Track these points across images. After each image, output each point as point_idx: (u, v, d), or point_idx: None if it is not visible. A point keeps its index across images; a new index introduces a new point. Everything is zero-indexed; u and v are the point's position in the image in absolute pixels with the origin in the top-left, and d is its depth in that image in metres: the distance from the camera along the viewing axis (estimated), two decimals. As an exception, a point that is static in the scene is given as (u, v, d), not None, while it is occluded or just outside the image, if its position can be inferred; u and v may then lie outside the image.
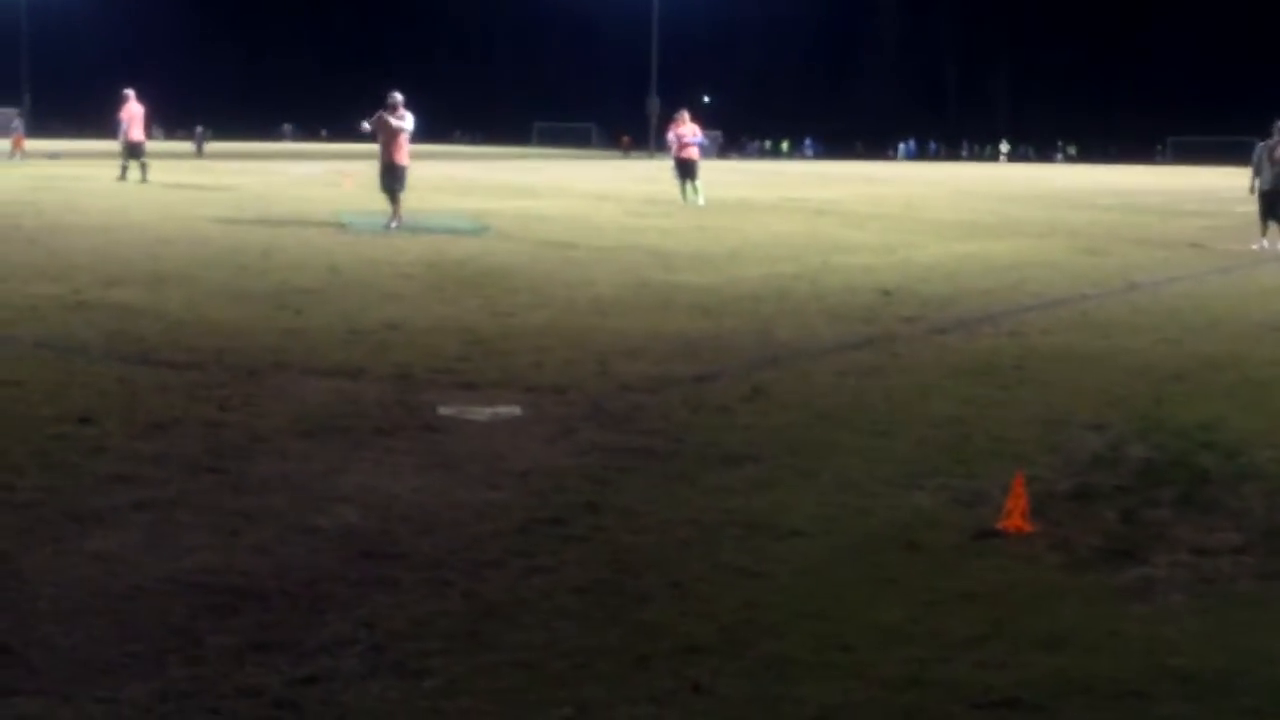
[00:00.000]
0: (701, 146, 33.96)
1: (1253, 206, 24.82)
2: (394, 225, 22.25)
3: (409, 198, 23.65)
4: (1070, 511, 6.82)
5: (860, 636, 5.03)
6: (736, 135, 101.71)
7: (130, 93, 35.44)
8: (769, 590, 5.52)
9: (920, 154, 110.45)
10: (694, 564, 5.82)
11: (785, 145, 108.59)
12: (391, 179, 22.98)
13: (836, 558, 5.97)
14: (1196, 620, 5.36)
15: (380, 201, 23.52)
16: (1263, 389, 10.42)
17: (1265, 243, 23.88)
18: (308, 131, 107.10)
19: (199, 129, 65.63)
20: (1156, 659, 4.91)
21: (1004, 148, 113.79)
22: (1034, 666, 4.80)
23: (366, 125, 23.63)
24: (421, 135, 25.63)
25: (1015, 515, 6.49)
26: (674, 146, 32.38)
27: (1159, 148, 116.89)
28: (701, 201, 30.76)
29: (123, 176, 34.63)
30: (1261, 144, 24.41)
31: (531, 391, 9.29)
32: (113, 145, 38.85)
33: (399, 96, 23.02)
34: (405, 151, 23.08)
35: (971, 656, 4.87)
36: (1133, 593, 5.67)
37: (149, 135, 38.84)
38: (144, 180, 34.05)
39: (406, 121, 22.90)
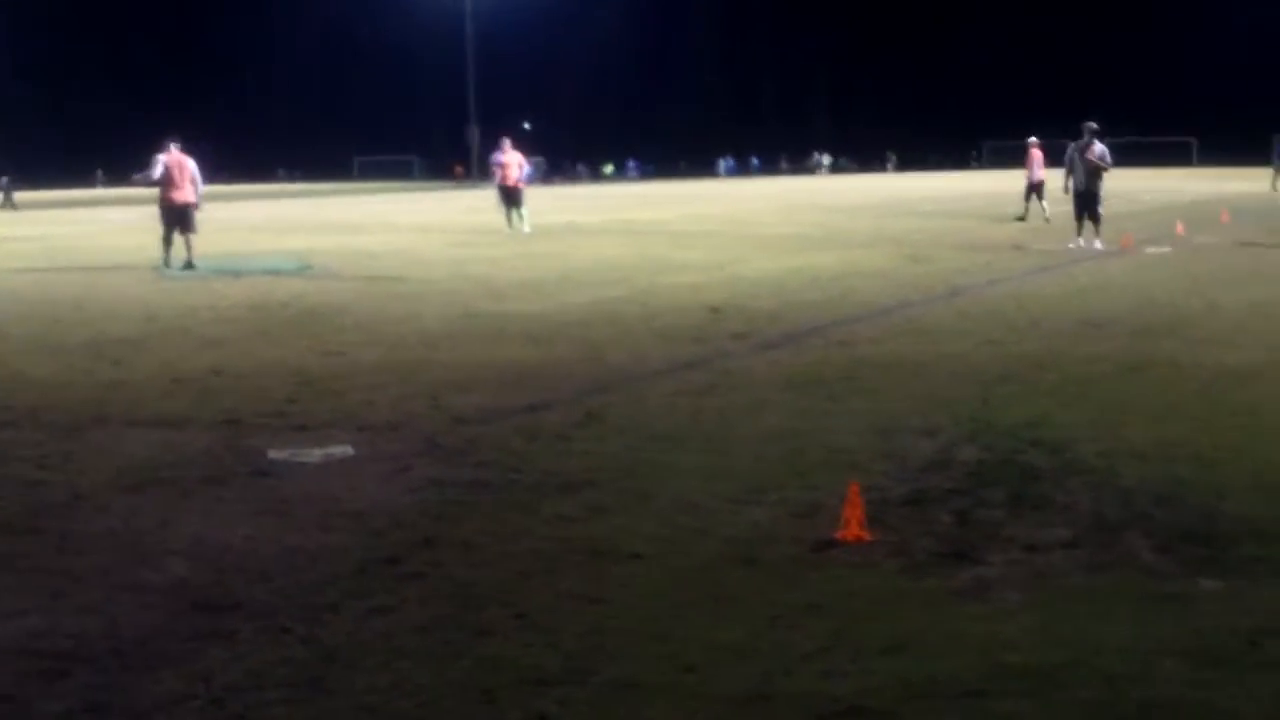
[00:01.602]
0: (527, 174, 33.94)
1: (1068, 206, 25.64)
2: (184, 267, 21.91)
3: (226, 239, 23.24)
4: (906, 517, 6.91)
5: (703, 656, 5.04)
6: (561, 160, 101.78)
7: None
8: (611, 615, 5.50)
9: (741, 170, 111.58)
10: (535, 594, 5.78)
11: (610, 168, 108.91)
12: (185, 221, 22.61)
13: (677, 579, 5.97)
14: (1031, 616, 5.46)
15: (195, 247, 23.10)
16: (1084, 385, 10.70)
17: (1081, 241, 24.64)
18: (119, 177, 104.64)
19: (3, 179, 63.69)
20: (994, 657, 4.99)
21: (825, 160, 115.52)
22: (876, 673, 4.85)
23: (148, 174, 23.03)
24: (242, 175, 25.32)
25: (852, 524, 6.56)
26: (497, 174, 32.32)
27: (974, 153, 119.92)
28: (528, 229, 30.72)
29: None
30: (1073, 145, 25.17)
31: (364, 430, 9.16)
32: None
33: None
34: (193, 192, 22.74)
35: (814, 668, 4.91)
36: (970, 593, 5.77)
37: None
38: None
39: (191, 163, 22.72)
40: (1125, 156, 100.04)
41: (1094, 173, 24.66)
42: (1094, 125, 24.79)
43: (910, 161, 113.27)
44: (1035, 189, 34.03)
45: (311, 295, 18.00)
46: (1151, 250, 24.51)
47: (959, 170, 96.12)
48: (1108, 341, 13.03)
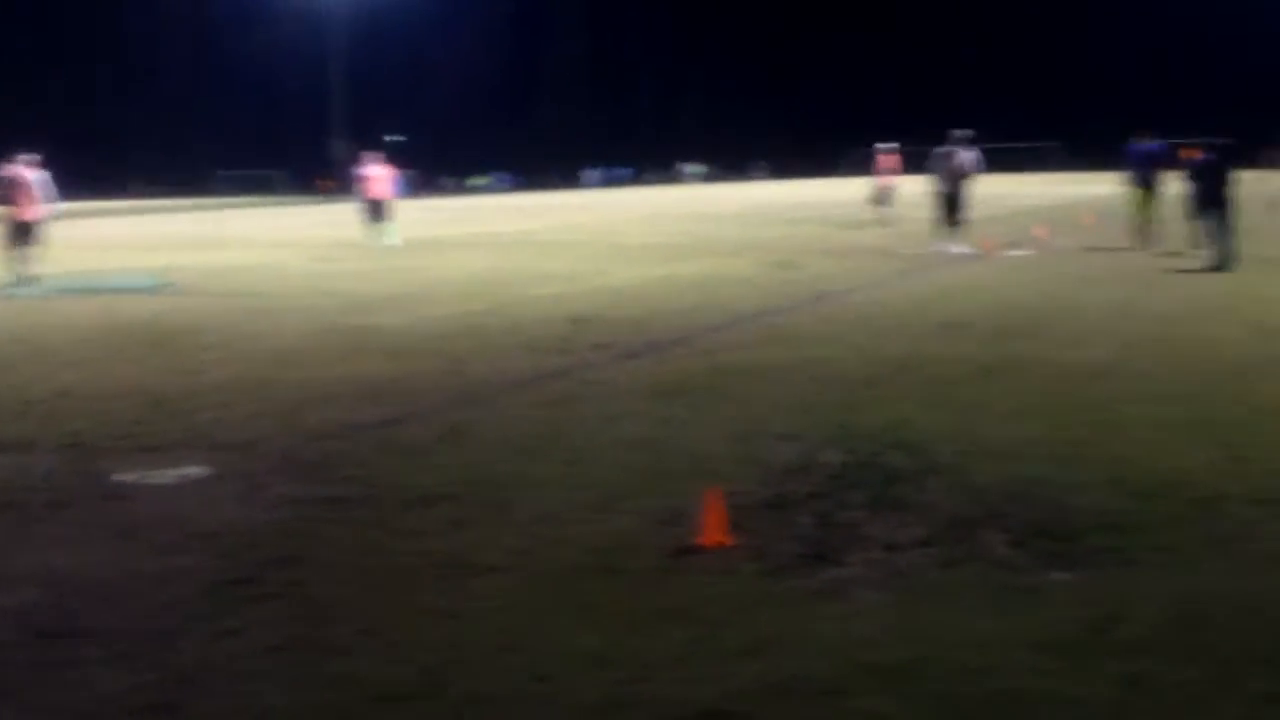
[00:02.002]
0: (393, 187, 33.61)
1: (930, 211, 26.10)
2: (19, 284, 21.46)
3: (80, 257, 22.76)
4: (767, 521, 6.93)
5: (560, 665, 5.00)
6: (428, 173, 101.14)
7: None
8: (468, 629, 5.44)
9: (611, 180, 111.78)
10: (391, 610, 5.70)
11: (477, 180, 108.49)
12: (25, 236, 22.15)
13: (535, 589, 5.92)
14: (889, 614, 5.51)
15: (43, 264, 22.61)
16: (944, 386, 10.84)
17: (950, 246, 25.02)
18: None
19: None
20: (851, 655, 5.02)
21: (694, 169, 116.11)
22: (735, 676, 4.85)
23: None
24: (101, 191, 24.91)
25: (713, 530, 6.56)
26: (362, 188, 32.00)
27: (843, 161, 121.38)
28: (393, 242, 30.47)
29: None
30: (938, 150, 25.61)
31: (218, 449, 8.98)
32: None
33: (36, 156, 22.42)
34: (38, 208, 22.30)
35: (673, 673, 4.89)
36: (829, 594, 5.80)
37: None
38: None
39: (37, 176, 22.27)
40: (990, 161, 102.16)
41: (961, 178, 25.11)
42: (965, 132, 25.35)
43: (780, 170, 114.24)
44: (884, 194, 34.65)
45: (168, 314, 17.64)
46: (1013, 253, 24.95)
47: (828, 178, 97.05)
48: (968, 344, 13.21)
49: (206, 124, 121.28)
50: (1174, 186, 24.26)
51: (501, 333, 14.87)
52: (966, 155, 25.28)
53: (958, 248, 24.86)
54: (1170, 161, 25.02)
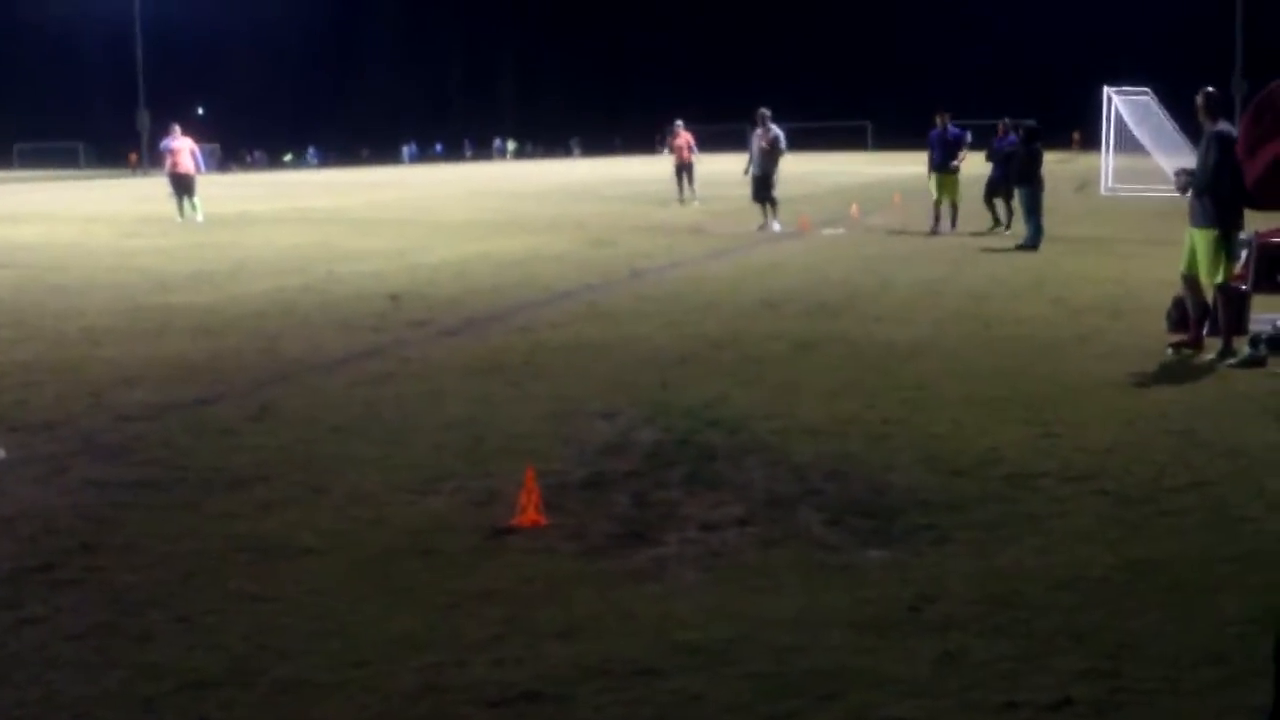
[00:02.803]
0: (200, 161, 32.85)
1: (748, 189, 26.37)
2: None
3: None
4: (584, 501, 6.91)
5: (375, 650, 4.91)
6: (236, 147, 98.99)
7: None
8: (280, 614, 5.31)
9: (425, 157, 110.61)
10: (200, 595, 5.54)
11: (289, 155, 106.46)
12: None
13: (350, 573, 5.81)
14: (705, 594, 5.52)
15: None
16: (760, 364, 10.93)
17: (771, 224, 25.30)
18: None
19: None
20: (667, 635, 5.01)
21: (509, 146, 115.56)
22: (550, 657, 4.81)
23: None
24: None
25: (529, 510, 6.51)
26: (168, 162, 31.16)
27: (659, 138, 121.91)
28: (200, 218, 29.75)
29: None
30: (755, 131, 25.86)
31: (17, 431, 8.64)
32: None
33: None
34: None
35: (488, 656, 4.84)
36: (645, 574, 5.79)
37: None
38: None
39: None
40: (803, 140, 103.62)
41: (768, 156, 25.38)
42: (766, 110, 25.53)
43: (596, 147, 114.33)
44: (684, 170, 34.90)
45: (-36, 291, 16.98)
46: (827, 232, 25.34)
47: (644, 155, 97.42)
48: (784, 321, 13.36)
49: (5, 96, 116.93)
50: (974, 168, 24.80)
51: (316, 310, 14.61)
52: (773, 132, 25.58)
53: (774, 225, 25.16)
54: (968, 144, 25.42)
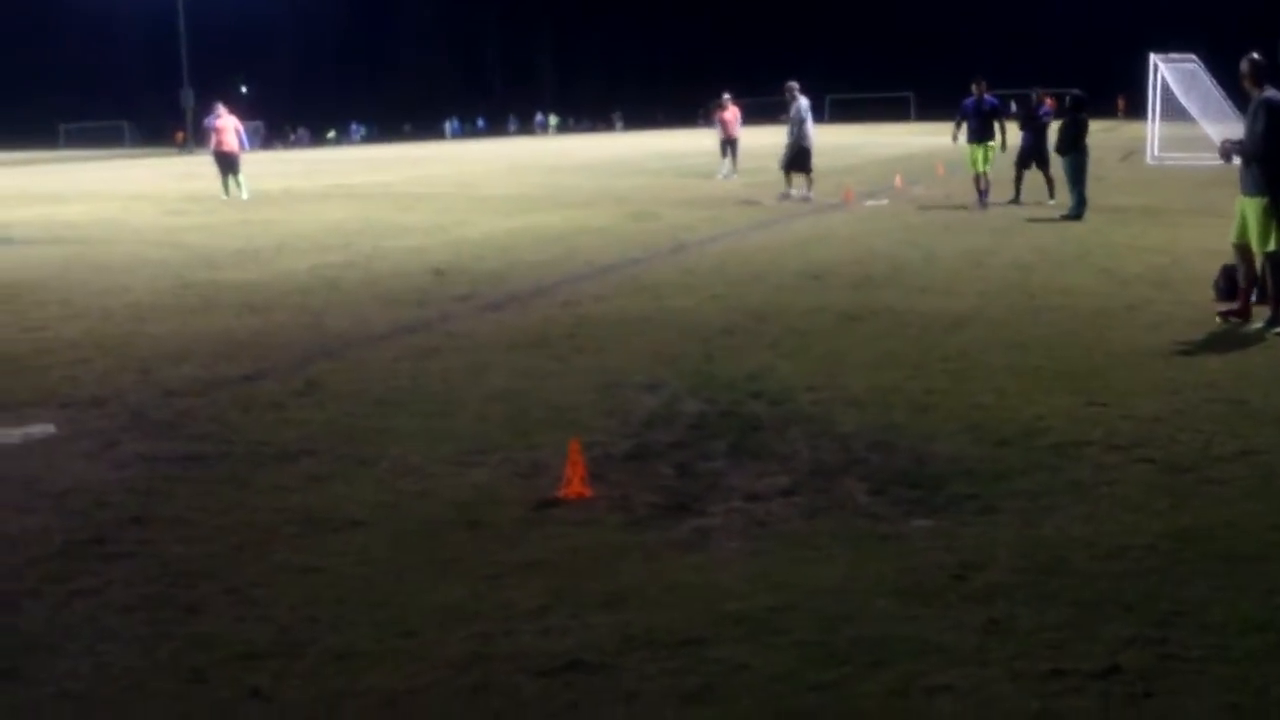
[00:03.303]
0: (244, 139, 32.95)
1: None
2: None
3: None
4: (628, 472, 6.93)
5: (423, 620, 4.94)
6: (280, 125, 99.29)
7: None
8: (328, 585, 5.36)
9: (467, 132, 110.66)
10: (249, 567, 5.60)
11: (332, 132, 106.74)
12: None
13: (397, 544, 5.85)
14: (749, 564, 5.52)
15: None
16: (803, 336, 10.91)
17: (792, 192, 25.25)
18: None
19: None
20: (713, 605, 5.02)
21: (551, 120, 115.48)
22: (596, 628, 4.83)
23: None
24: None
25: (574, 482, 6.54)
26: (212, 140, 31.30)
27: (701, 111, 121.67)
28: (245, 195, 29.90)
29: None
30: (805, 104, 25.84)
31: (68, 407, 8.74)
32: None
33: None
34: None
35: (535, 626, 4.86)
36: (690, 544, 5.80)
37: None
38: None
39: None
40: (846, 112, 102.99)
41: (800, 126, 25.38)
42: (793, 83, 25.59)
43: (637, 120, 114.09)
44: (730, 145, 34.75)
45: (11, 269, 17.11)
46: (870, 203, 25.23)
47: (686, 128, 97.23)
48: (827, 293, 13.32)
49: (51, 76, 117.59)
50: (1011, 138, 24.46)
51: (360, 286, 14.66)
52: (801, 103, 25.55)
53: (807, 194, 25.17)
54: (1006, 113, 24.86)
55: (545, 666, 4.51)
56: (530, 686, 4.37)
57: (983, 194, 23.83)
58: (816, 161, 26.11)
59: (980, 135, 23.85)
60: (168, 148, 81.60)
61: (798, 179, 25.79)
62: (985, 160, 23.83)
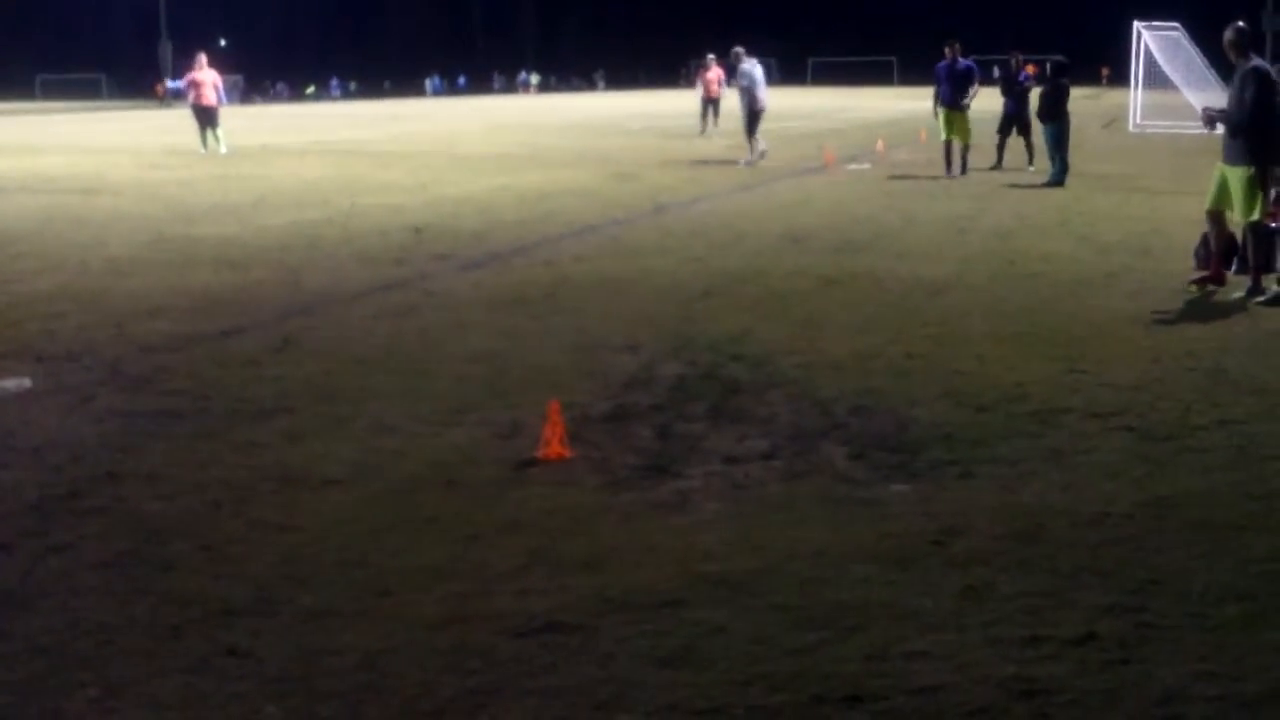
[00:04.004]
0: (221, 93, 32.68)
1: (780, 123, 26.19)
2: None
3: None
4: (607, 433, 6.91)
5: (400, 580, 4.92)
6: (259, 79, 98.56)
7: None
8: (305, 543, 5.33)
9: (449, 90, 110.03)
10: (225, 524, 5.56)
11: (311, 88, 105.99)
12: None
13: (374, 503, 5.83)
14: (729, 526, 5.51)
15: None
16: (784, 299, 10.89)
17: (750, 154, 25.19)
18: None
19: None
20: (691, 567, 5.01)
21: (533, 79, 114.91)
22: (574, 589, 4.82)
23: None
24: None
25: (553, 443, 6.51)
26: (191, 94, 31.05)
27: (684, 70, 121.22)
28: (224, 150, 29.71)
29: None
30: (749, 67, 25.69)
31: (43, 361, 8.68)
32: None
33: None
34: None
35: (512, 586, 4.85)
36: (669, 506, 5.79)
37: None
38: None
39: None
40: (829, 75, 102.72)
41: (749, 92, 25.26)
42: (738, 49, 25.41)
43: (620, 80, 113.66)
44: (711, 104, 34.67)
45: (-12, 221, 16.99)
46: (852, 167, 25.18)
47: (669, 89, 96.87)
48: (808, 256, 13.30)
49: (27, 27, 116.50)
50: (989, 103, 24.25)
51: (338, 243, 14.59)
52: (748, 68, 25.30)
53: (748, 159, 25.26)
54: (981, 77, 24.04)
55: (522, 627, 4.49)
56: (507, 647, 4.36)
57: (950, 165, 22.84)
58: (799, 124, 26.00)
59: (952, 99, 22.76)
60: (147, 100, 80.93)
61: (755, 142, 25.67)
62: (958, 128, 22.76)
